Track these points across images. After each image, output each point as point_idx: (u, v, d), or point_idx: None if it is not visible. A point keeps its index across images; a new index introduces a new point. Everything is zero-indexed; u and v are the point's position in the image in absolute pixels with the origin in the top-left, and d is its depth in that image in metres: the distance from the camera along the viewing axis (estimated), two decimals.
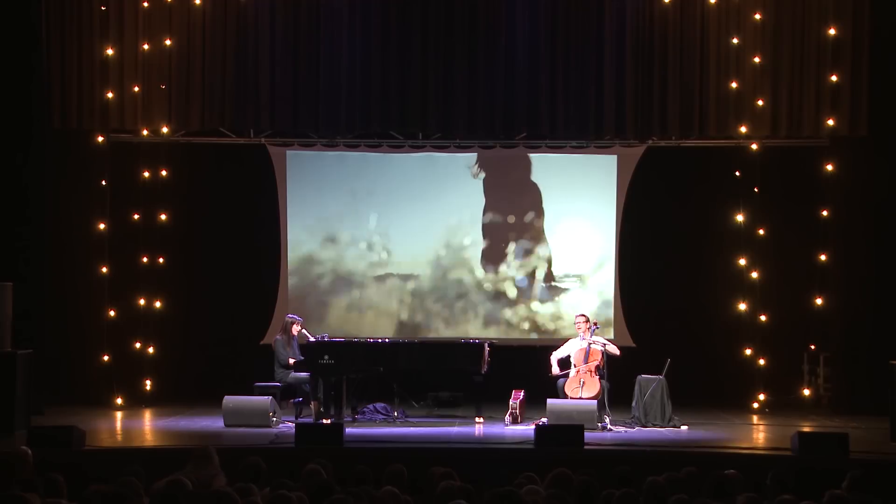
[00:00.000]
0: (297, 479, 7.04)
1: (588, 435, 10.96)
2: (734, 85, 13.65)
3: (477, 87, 13.74)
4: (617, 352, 13.07)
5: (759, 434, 12.61)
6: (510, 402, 12.67)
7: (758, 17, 13.65)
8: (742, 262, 14.36)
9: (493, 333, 14.98)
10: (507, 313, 15.35)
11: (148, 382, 14.35)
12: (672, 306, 15.19)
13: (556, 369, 13.16)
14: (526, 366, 14.08)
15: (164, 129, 14.09)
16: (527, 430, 11.83)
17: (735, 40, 13.66)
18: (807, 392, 14.53)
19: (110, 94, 13.78)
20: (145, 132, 14.14)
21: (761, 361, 14.22)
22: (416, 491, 6.98)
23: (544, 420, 12.12)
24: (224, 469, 7.64)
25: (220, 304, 15.34)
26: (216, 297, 15.33)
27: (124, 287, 14.39)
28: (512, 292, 15.36)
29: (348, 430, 11.11)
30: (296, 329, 13.30)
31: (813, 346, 14.69)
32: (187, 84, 13.87)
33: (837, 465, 9.04)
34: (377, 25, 13.75)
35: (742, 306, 14.34)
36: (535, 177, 15.37)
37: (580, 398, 12.67)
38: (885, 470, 9.79)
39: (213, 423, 12.45)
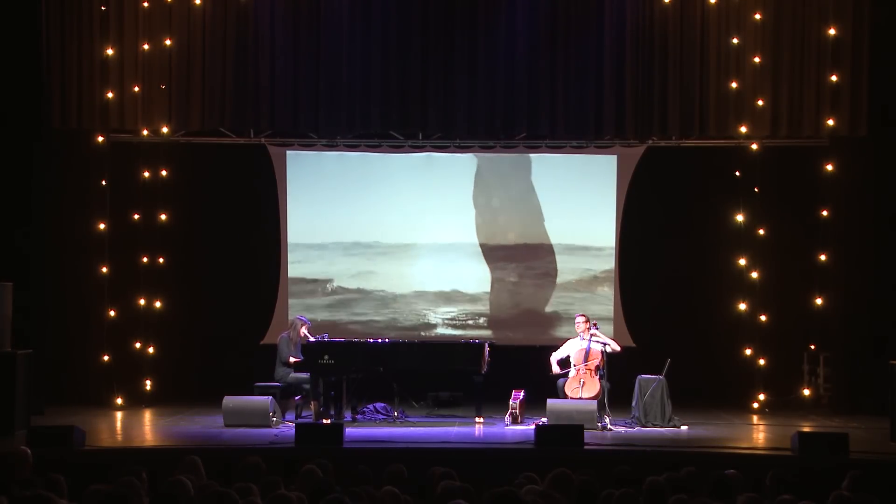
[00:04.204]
0: (294, 479, 7.03)
1: (588, 435, 10.96)
2: (734, 85, 13.65)
3: (477, 87, 13.74)
4: (618, 348, 13.07)
5: (759, 434, 12.61)
6: (510, 402, 12.67)
7: (758, 17, 13.65)
8: (742, 262, 14.36)
9: (492, 333, 15.03)
10: (507, 313, 15.37)
11: (148, 382, 14.35)
12: (672, 306, 15.20)
13: (556, 369, 13.17)
14: (526, 366, 14.08)
15: (164, 129, 14.09)
16: (527, 430, 11.83)
17: (735, 40, 13.66)
18: (807, 392, 14.52)
19: (110, 94, 13.78)
20: (145, 132, 14.14)
21: (761, 361, 14.22)
22: (415, 491, 6.98)
23: (544, 420, 12.12)
24: (224, 469, 7.65)
25: (220, 304, 15.34)
26: (216, 297, 15.34)
27: (124, 287, 14.39)
28: (511, 292, 15.38)
29: (348, 430, 11.11)
30: (303, 331, 13.28)
31: (813, 346, 14.68)
32: (187, 84, 13.87)
33: (837, 465, 9.04)
34: (377, 25, 13.75)
35: (742, 306, 14.34)
36: (535, 177, 15.39)
37: (580, 398, 12.67)
38: (885, 470, 9.80)
39: (213, 423, 12.45)
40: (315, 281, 15.49)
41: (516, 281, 15.41)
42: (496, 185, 15.43)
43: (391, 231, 15.43)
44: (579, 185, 15.39)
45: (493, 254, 15.42)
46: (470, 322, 15.39)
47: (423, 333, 15.30)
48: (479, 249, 15.43)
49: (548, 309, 15.38)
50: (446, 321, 15.40)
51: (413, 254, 15.44)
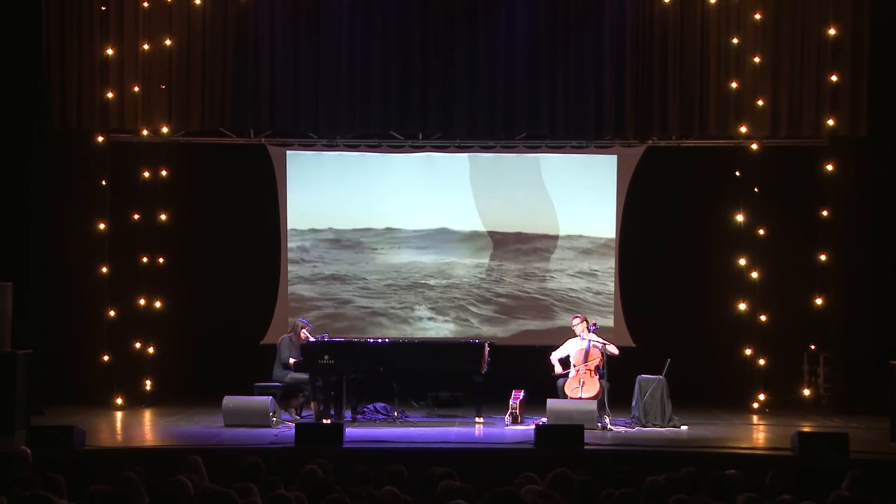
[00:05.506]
0: (294, 479, 7.03)
1: (588, 435, 10.96)
2: (734, 85, 13.66)
3: (477, 87, 13.76)
4: (616, 351, 13.06)
5: (759, 434, 12.61)
6: (510, 402, 12.67)
7: (758, 17, 13.66)
8: (742, 262, 14.36)
9: (492, 333, 15.04)
10: (508, 313, 15.38)
11: (148, 382, 14.34)
12: (672, 306, 15.20)
13: (558, 368, 13.17)
14: (526, 366, 14.07)
15: (164, 129, 14.09)
16: (527, 430, 11.83)
17: (735, 40, 13.67)
18: (807, 392, 14.51)
19: (110, 94, 13.78)
20: (145, 132, 14.14)
21: (761, 361, 14.22)
22: (415, 491, 6.98)
23: (544, 420, 12.12)
24: (224, 469, 7.65)
25: (220, 304, 15.33)
26: (216, 297, 15.33)
27: (124, 287, 14.38)
28: (512, 292, 15.39)
29: (348, 430, 11.12)
30: (304, 334, 13.26)
31: (813, 346, 14.68)
32: (187, 84, 13.87)
33: (837, 465, 9.04)
34: (377, 25, 13.76)
35: (742, 306, 14.34)
36: (535, 176, 15.39)
37: (580, 398, 12.68)
38: (885, 470, 9.80)
39: (213, 423, 12.44)
40: (315, 279, 15.48)
41: (516, 277, 15.39)
42: (496, 184, 15.40)
43: (391, 228, 15.42)
44: (579, 185, 15.38)
45: (493, 249, 15.40)
46: (469, 319, 15.36)
47: (421, 324, 15.29)
48: (479, 245, 15.42)
49: (547, 306, 15.35)
50: (445, 315, 15.38)
51: (413, 249, 15.41)
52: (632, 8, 13.71)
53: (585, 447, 10.65)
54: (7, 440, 11.09)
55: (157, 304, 14.56)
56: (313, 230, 15.46)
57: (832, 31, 13.53)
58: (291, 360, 13.16)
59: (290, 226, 15.37)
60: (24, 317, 12.85)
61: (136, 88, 13.81)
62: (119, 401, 14.02)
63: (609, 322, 15.00)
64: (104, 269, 14.23)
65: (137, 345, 14.40)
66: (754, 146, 14.19)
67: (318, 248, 15.46)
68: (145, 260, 14.52)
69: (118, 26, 13.81)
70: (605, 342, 13.02)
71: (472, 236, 15.43)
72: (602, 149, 15.12)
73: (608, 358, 12.87)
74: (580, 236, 15.38)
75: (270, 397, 12.55)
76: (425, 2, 13.79)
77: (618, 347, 13.27)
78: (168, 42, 13.81)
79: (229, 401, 12.36)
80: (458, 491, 6.38)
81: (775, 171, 14.38)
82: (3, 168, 13.78)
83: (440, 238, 15.43)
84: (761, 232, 14.34)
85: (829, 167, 14.12)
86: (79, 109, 13.80)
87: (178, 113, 13.93)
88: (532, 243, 15.44)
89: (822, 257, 14.28)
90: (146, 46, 13.81)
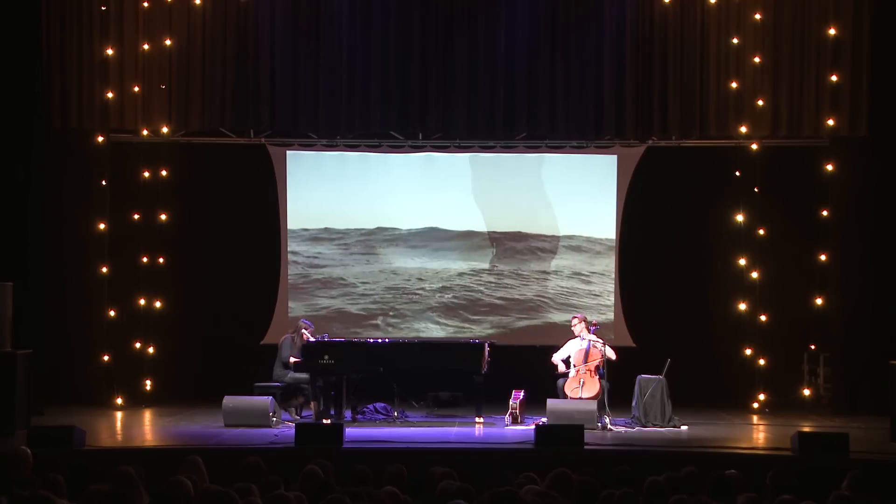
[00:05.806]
0: (294, 479, 7.03)
1: (588, 435, 10.96)
2: (734, 85, 13.66)
3: (477, 87, 13.76)
4: (614, 356, 13.02)
5: (759, 434, 12.61)
6: (510, 402, 12.67)
7: (758, 17, 13.66)
8: (742, 262, 14.37)
9: (492, 333, 15.04)
10: (507, 314, 15.38)
11: (148, 382, 14.35)
12: (672, 306, 15.19)
13: (562, 368, 13.15)
14: (526, 366, 14.08)
15: (164, 129, 14.09)
16: (527, 430, 11.84)
17: (735, 40, 13.67)
18: (807, 392, 14.52)
19: (110, 94, 13.78)
20: (145, 132, 14.14)
21: (761, 361, 14.22)
22: (416, 491, 6.98)
23: (544, 420, 12.12)
24: (224, 469, 7.65)
25: (220, 304, 15.34)
26: (216, 297, 15.33)
27: (124, 287, 14.39)
28: (511, 292, 15.39)
29: (348, 430, 11.11)
30: (305, 335, 13.25)
31: (813, 346, 14.69)
32: (187, 84, 13.88)
33: (837, 465, 9.04)
34: (377, 25, 13.77)
35: (742, 306, 14.34)
36: (535, 176, 15.39)
37: (580, 398, 12.67)
38: (885, 470, 9.79)
39: (213, 423, 12.44)
40: (315, 279, 15.48)
41: (515, 277, 15.39)
42: (496, 184, 15.41)
43: (391, 228, 15.43)
44: (579, 185, 15.39)
45: (493, 249, 15.41)
46: (468, 321, 15.37)
47: (421, 324, 15.30)
48: (479, 245, 15.42)
49: (546, 305, 15.36)
50: (445, 313, 15.37)
51: (413, 249, 15.42)
52: (632, 8, 13.71)
53: (585, 447, 10.65)
54: (7, 440, 11.09)
55: (157, 305, 14.57)
56: (313, 230, 15.48)
57: (832, 31, 13.53)
58: (292, 360, 13.16)
59: (289, 226, 15.39)
60: (23, 317, 12.84)
61: (136, 88, 13.81)
62: (119, 401, 14.02)
63: (609, 322, 15.00)
64: (104, 269, 14.23)
65: (137, 345, 14.40)
66: (754, 146, 14.19)
67: (318, 248, 15.47)
68: (145, 260, 14.52)
69: (118, 26, 13.82)
70: (603, 343, 13.00)
71: (472, 236, 15.45)
72: (602, 149, 15.12)
73: (606, 360, 12.85)
74: (580, 236, 15.40)
75: (270, 397, 12.56)
76: (425, 2, 13.80)
77: (616, 352, 13.15)
78: (168, 42, 13.81)
79: (229, 401, 12.37)
80: (458, 491, 6.38)
81: (775, 171, 14.39)
82: (2, 168, 13.77)
83: (440, 238, 15.43)
84: (761, 232, 14.34)
85: (829, 167, 14.12)
86: (79, 109, 13.80)
87: (178, 113, 13.93)
88: (532, 243, 15.46)
89: (822, 257, 14.28)
90: (146, 46, 13.81)
